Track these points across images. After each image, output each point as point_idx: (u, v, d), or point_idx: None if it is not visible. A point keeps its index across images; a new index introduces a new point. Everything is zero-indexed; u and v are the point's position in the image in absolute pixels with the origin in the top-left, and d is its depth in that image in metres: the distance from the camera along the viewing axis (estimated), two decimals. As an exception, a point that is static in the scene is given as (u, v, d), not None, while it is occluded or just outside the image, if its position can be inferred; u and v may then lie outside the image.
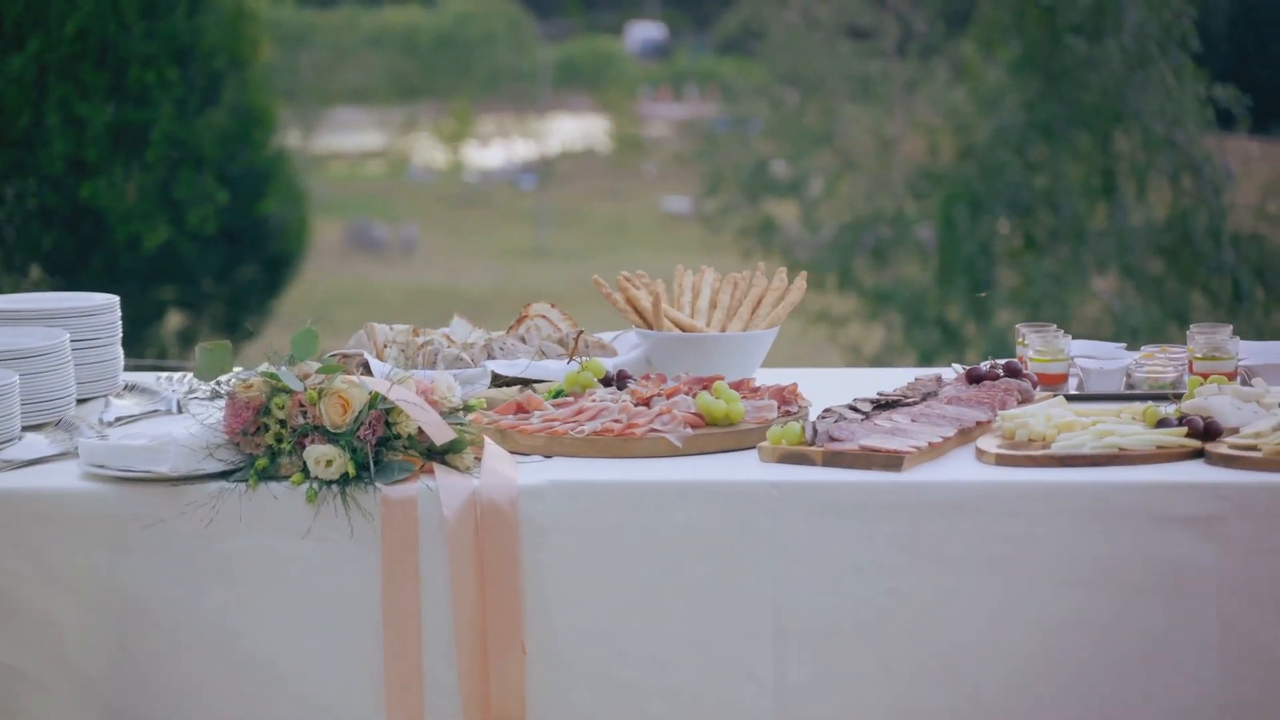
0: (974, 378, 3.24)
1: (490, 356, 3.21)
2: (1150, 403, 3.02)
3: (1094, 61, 11.46)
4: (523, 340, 3.31)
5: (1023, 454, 2.87)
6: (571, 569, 2.80)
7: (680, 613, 2.81)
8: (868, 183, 12.26)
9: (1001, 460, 2.88)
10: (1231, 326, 3.45)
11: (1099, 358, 3.38)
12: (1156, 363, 3.38)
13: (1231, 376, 3.28)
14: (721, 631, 2.81)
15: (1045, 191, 11.72)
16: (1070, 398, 3.31)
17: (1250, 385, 3.18)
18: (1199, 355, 3.32)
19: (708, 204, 12.68)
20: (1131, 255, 11.61)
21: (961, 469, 2.88)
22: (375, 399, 2.75)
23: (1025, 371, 3.27)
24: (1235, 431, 2.94)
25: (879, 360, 12.02)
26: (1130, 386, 3.36)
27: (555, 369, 3.17)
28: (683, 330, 3.34)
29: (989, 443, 2.94)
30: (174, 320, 11.57)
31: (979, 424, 3.04)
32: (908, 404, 3.11)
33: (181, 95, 10.79)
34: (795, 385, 3.13)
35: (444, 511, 2.73)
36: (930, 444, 2.89)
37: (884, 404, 3.10)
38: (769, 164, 12.29)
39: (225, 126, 11.11)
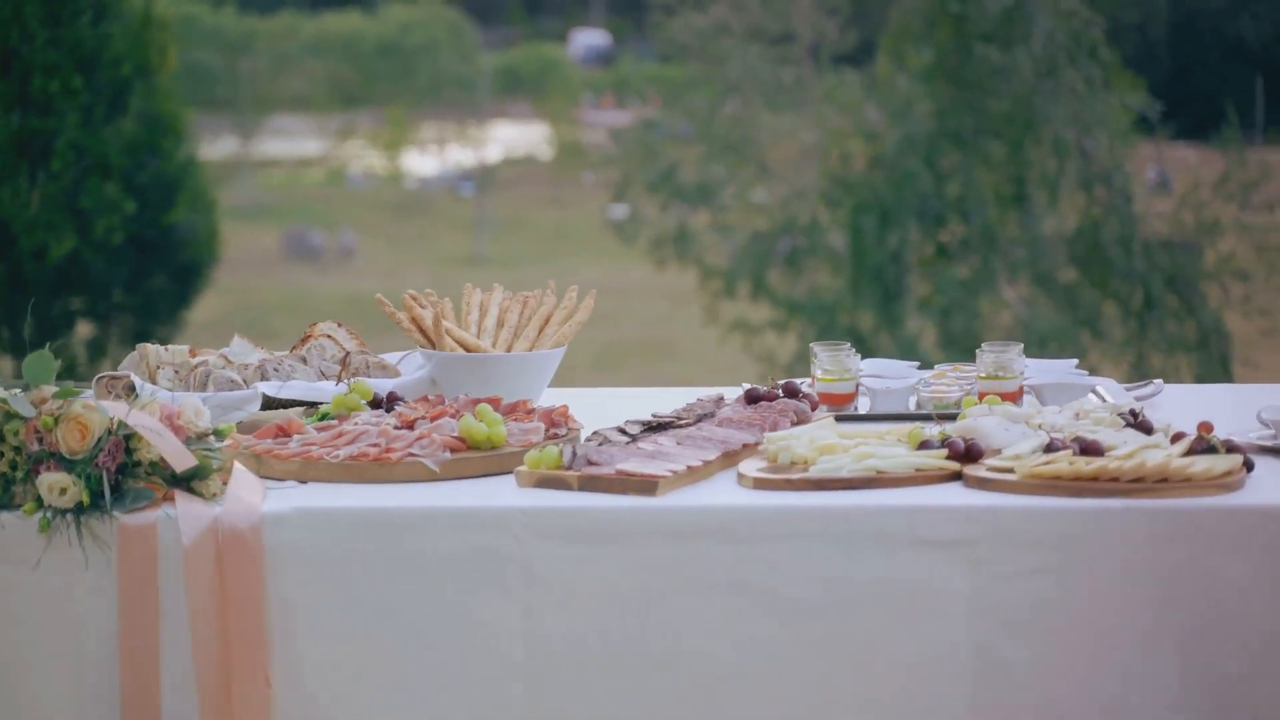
0: (752, 398, 3.21)
1: (264, 378, 3.17)
2: (918, 424, 3.00)
3: (1004, 70, 11.48)
4: (304, 361, 3.26)
5: (780, 477, 2.85)
6: (318, 599, 2.76)
7: (430, 642, 2.77)
8: (782, 190, 12.26)
9: (759, 484, 2.85)
10: (1020, 345, 3.42)
11: (887, 377, 3.36)
12: (943, 382, 3.36)
13: (1013, 396, 3.26)
14: (472, 661, 2.77)
15: (957, 200, 11.74)
16: (853, 418, 3.29)
17: (1041, 405, 3.16)
18: (983, 375, 3.30)
19: (617, 211, 12.67)
20: (1042, 264, 11.64)
21: (720, 493, 2.85)
22: (116, 425, 2.71)
23: (805, 392, 3.24)
24: (998, 453, 2.92)
25: (792, 370, 12.02)
26: (917, 406, 3.33)
27: (327, 390, 3.13)
28: (467, 349, 3.31)
29: (750, 466, 2.91)
30: (83, 330, 11.49)
31: (746, 446, 3.01)
32: (680, 426, 3.08)
33: (87, 103, 10.71)
34: (566, 407, 3.10)
35: (183, 540, 2.68)
36: (689, 468, 2.86)
37: (655, 426, 3.07)
38: (679, 170, 12.27)
39: (132, 135, 11.03)
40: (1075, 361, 3.47)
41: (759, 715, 2.76)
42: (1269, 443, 3.01)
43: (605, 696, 2.76)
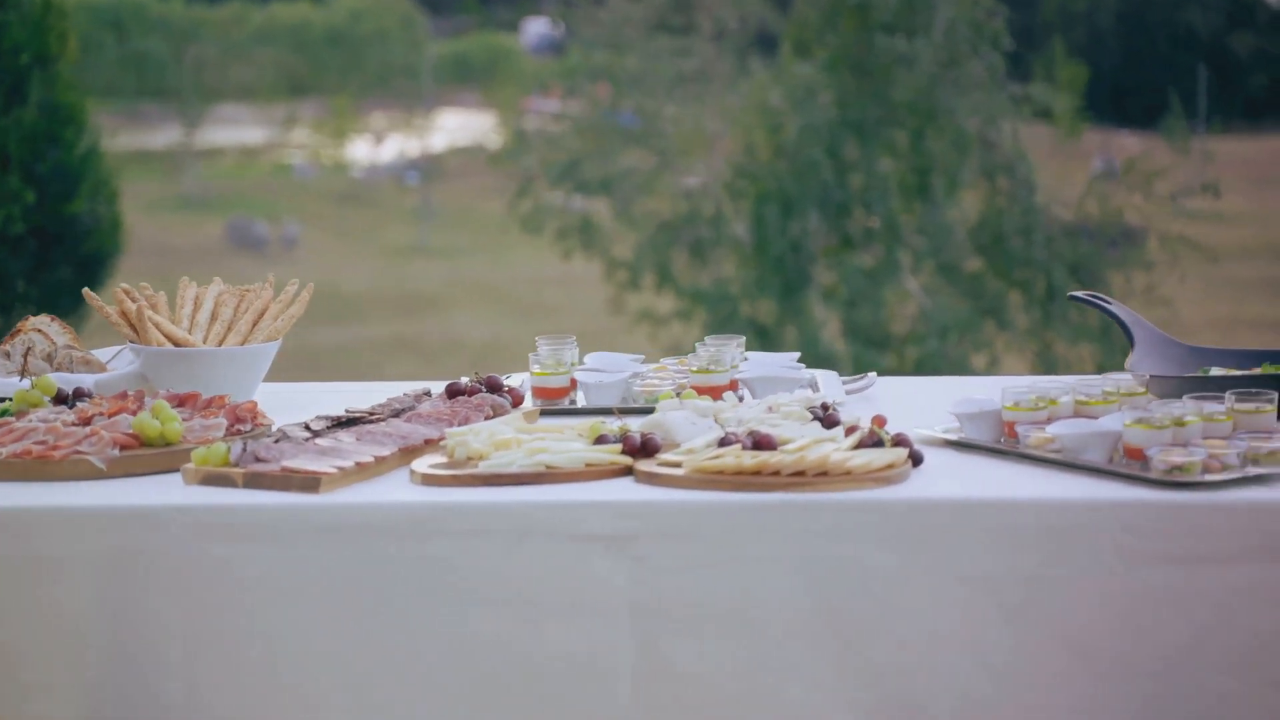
0: (452, 393, 3.19)
1: (-39, 374, 3.14)
2: (600, 419, 2.98)
3: (906, 60, 11.46)
4: (6, 356, 3.23)
5: (448, 473, 2.83)
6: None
7: (95, 645, 2.73)
8: (685, 181, 12.23)
9: (428, 480, 2.83)
10: (742, 339, 3.40)
11: (601, 370, 3.34)
12: (656, 376, 3.34)
13: (719, 391, 3.23)
14: (133, 662, 2.74)
15: (860, 190, 11.71)
16: (561, 412, 3.27)
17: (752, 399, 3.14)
18: (694, 368, 3.28)
19: (521, 204, 12.64)
20: (946, 254, 11.62)
21: (389, 490, 2.83)
22: None
23: (511, 387, 3.22)
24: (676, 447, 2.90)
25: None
26: (627, 400, 3.31)
27: (11, 387, 3.10)
28: (175, 344, 3.28)
29: (424, 462, 2.89)
30: (-14, 320, 11.43)
31: (428, 442, 2.99)
32: (370, 421, 3.05)
33: (-16, 93, 10.64)
34: (255, 403, 3.07)
35: None
36: (358, 464, 2.84)
37: (344, 422, 3.04)
38: (581, 162, 12.24)
39: (32, 125, 10.96)
40: (797, 355, 3.44)
41: (414, 715, 2.74)
42: (953, 436, 3.00)
43: (265, 696, 2.74)
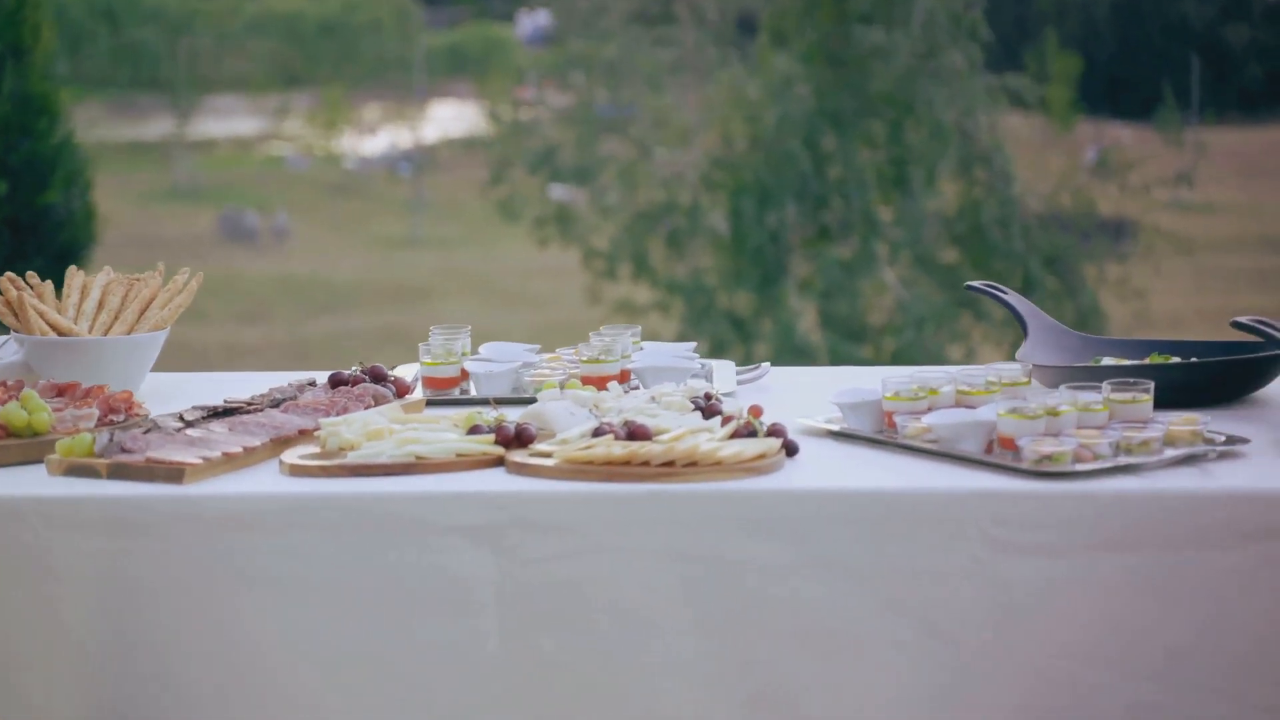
0: (335, 382, 3.15)
1: None
2: (475, 409, 2.94)
3: (884, 51, 11.42)
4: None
5: (316, 464, 2.79)
6: None
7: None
8: (663, 172, 12.20)
9: (295, 471, 2.79)
10: (637, 329, 3.37)
11: (495, 360, 3.30)
12: (547, 365, 3.30)
13: (605, 382, 3.20)
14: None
15: (837, 181, 11.67)
16: (450, 402, 3.24)
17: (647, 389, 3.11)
18: (584, 358, 3.24)
19: (495, 191, 12.61)
20: (923, 245, 11.59)
21: (257, 481, 2.79)
22: None
23: (395, 377, 3.18)
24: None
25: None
26: (518, 390, 3.28)
27: (-114, 377, 3.07)
28: (59, 333, 3.24)
29: (294, 453, 2.86)
30: (-39, 313, 11.41)
31: (302, 433, 2.95)
32: (247, 412, 3.02)
33: (-45, 84, 10.62)
34: (130, 393, 3.04)
35: None
36: (225, 454, 2.80)
37: (221, 412, 3.01)
38: (558, 151, 12.21)
39: (5, 116, 10.93)
40: (693, 345, 3.41)
41: (278, 706, 2.70)
42: (835, 427, 2.96)
43: (111, 692, 2.69)
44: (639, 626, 2.68)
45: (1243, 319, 2.90)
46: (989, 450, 2.77)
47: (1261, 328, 3.10)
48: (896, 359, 11.25)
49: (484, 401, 3.22)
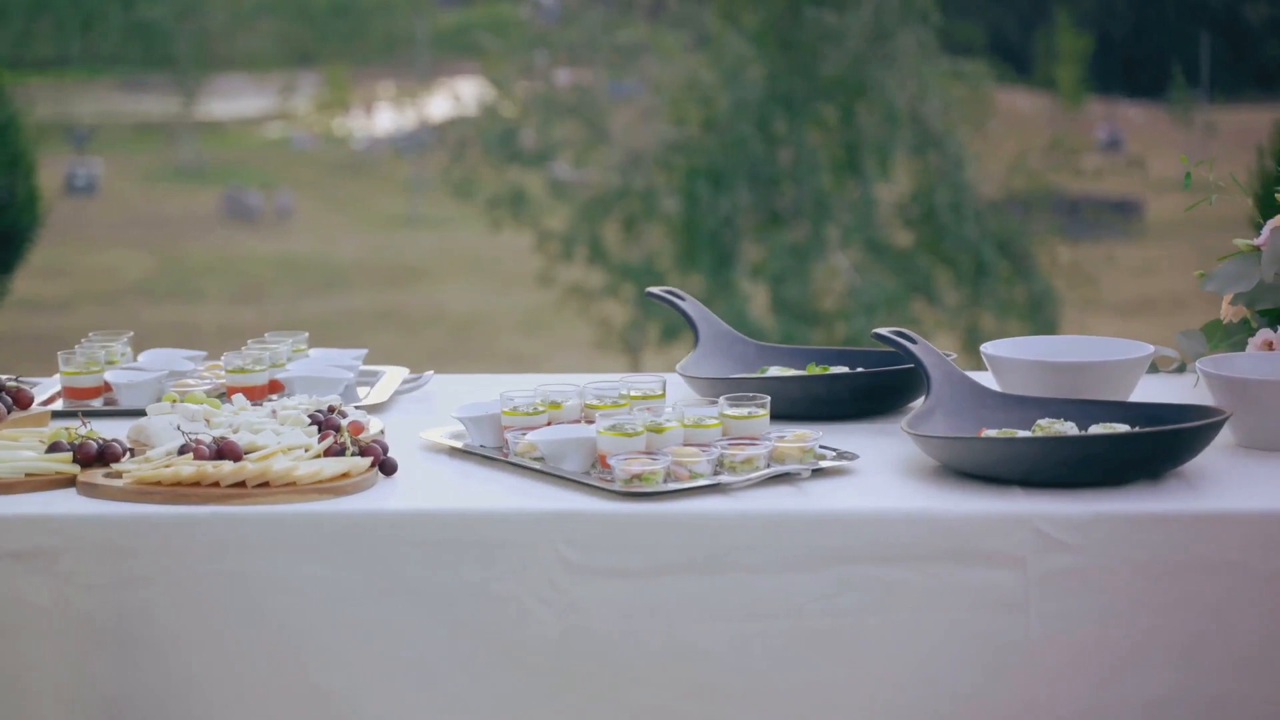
0: (-49, 393, 2.98)
1: None
2: (66, 424, 2.76)
3: (835, 34, 11.22)
4: None
5: (-122, 482, 2.62)
6: None
7: None
8: (618, 155, 12.02)
9: None
10: (304, 334, 3.18)
11: (142, 370, 3.12)
12: (195, 376, 3.12)
13: (259, 392, 3.01)
14: None
15: (790, 165, 11.49)
16: (95, 414, 3.06)
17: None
18: (229, 368, 3.05)
19: (453, 171, 12.47)
20: (875, 230, 11.39)
21: None
22: None
23: (19, 387, 3.00)
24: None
25: (627, 336, 11.80)
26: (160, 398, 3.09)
27: None
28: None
29: None
30: (-97, 300, 11.33)
31: (-111, 447, 2.78)
32: None
33: (-108, 66, 10.53)
34: None
35: None
36: None
37: None
38: (518, 133, 12.05)
39: (-58, 98, 10.84)
40: (364, 352, 3.22)
41: None
42: (457, 442, 2.77)
43: None
44: (205, 653, 2.51)
45: (883, 330, 2.69)
46: (592, 469, 2.58)
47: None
48: (849, 343, 11.06)
49: (131, 414, 3.04)
